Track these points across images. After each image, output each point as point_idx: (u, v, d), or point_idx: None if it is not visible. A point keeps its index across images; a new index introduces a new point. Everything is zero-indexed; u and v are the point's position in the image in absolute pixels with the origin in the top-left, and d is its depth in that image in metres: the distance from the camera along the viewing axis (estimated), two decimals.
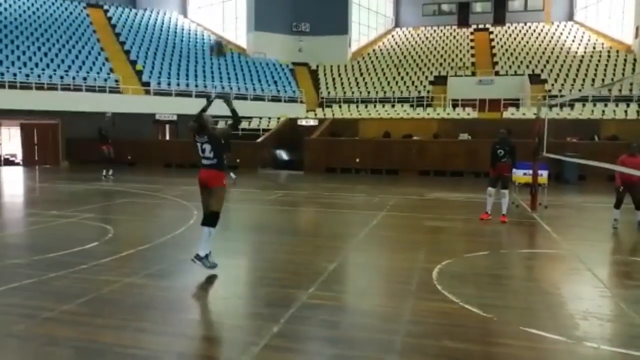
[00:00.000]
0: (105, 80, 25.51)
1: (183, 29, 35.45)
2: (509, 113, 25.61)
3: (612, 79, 27.60)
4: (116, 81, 25.92)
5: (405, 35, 39.37)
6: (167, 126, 26.72)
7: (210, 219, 6.01)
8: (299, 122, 25.44)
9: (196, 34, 35.30)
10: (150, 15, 35.99)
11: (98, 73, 25.94)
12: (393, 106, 28.64)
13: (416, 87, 30.68)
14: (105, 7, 34.51)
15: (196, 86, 27.97)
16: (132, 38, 31.38)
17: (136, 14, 35.34)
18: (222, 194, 6.07)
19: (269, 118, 26.83)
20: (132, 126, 23.47)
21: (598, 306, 5.16)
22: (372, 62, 34.79)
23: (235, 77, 30.43)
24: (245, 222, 10.25)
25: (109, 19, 33.25)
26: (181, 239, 7.93)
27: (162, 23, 35.40)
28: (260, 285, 5.84)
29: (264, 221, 10.14)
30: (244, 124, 26.28)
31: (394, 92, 30.37)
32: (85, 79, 24.94)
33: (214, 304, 5.22)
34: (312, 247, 7.73)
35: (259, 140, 23.08)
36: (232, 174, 16.45)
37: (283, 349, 4.00)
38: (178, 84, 27.68)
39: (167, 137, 26.93)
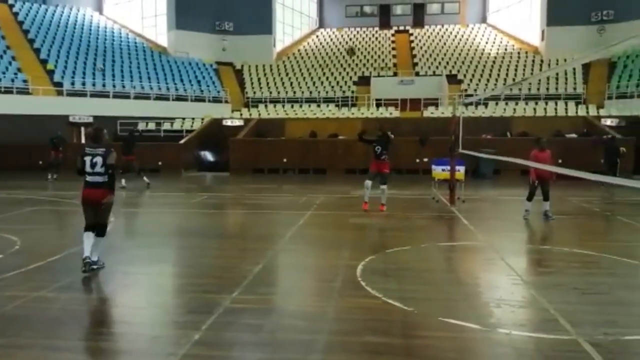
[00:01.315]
0: (13, 80, 23.76)
1: (99, 27, 33.73)
2: (429, 112, 26.61)
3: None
4: (25, 81, 24.21)
5: (329, 36, 39.82)
6: (82, 128, 25.32)
7: (103, 230, 6.20)
8: (224, 123, 25.01)
9: (113, 32, 33.73)
10: (63, 12, 33.95)
11: (4, 73, 24.10)
12: (319, 106, 28.87)
13: (341, 87, 31.11)
14: (11, 1, 32.11)
15: (114, 86, 26.73)
16: (43, 36, 29.45)
17: (46, 10, 33.19)
18: (111, 207, 6.23)
19: (193, 119, 26.17)
20: (44, 129, 22.03)
21: (511, 294, 5.44)
22: (297, 62, 34.88)
23: (157, 77, 29.38)
24: (168, 227, 9.90)
25: (15, 14, 31.00)
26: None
27: (76, 20, 33.49)
28: (182, 293, 5.65)
29: (187, 225, 9.84)
30: (166, 125, 25.44)
31: (319, 92, 30.62)
32: None
33: (131, 314, 4.97)
34: (238, 250, 7.59)
35: (182, 141, 22.44)
36: (145, 178, 15.87)
37: (204, 357, 3.87)
38: (94, 84, 26.32)
39: (83, 140, 25.53)
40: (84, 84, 26.01)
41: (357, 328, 4.41)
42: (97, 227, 6.11)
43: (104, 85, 26.52)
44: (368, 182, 10.82)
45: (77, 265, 6.43)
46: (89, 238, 6.04)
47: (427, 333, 4.34)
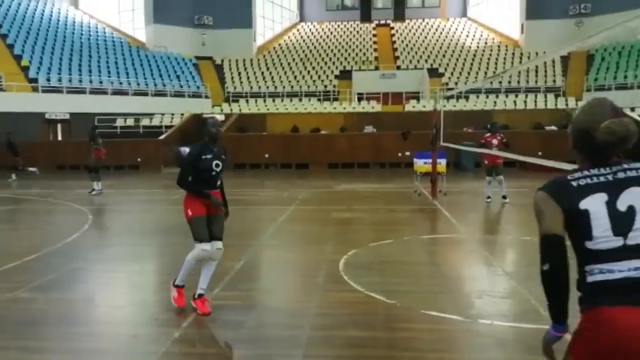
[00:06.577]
0: None
1: (74, 21, 33.04)
2: (411, 106, 26.68)
3: None
4: None
5: (310, 30, 39.63)
6: (59, 125, 24.83)
7: None
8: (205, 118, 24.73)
9: (89, 27, 33.07)
10: (37, 6, 33.14)
11: None
12: (300, 100, 28.74)
13: (322, 81, 31.01)
14: None
15: (90, 82, 26.23)
16: (16, 30, 28.71)
17: (19, 4, 32.32)
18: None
19: (172, 114, 25.82)
20: (18, 126, 21.47)
21: (492, 285, 5.46)
22: (278, 56, 34.66)
23: (135, 72, 28.91)
24: (148, 225, 9.75)
25: None
26: (73, 247, 7.36)
27: (51, 14, 32.73)
28: (162, 290, 5.53)
29: (167, 222, 9.70)
30: (145, 121, 25.06)
31: (300, 87, 30.48)
32: None
33: (110, 314, 4.87)
34: None
35: (162, 137, 22.15)
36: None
37: (184, 354, 3.80)
38: (70, 80, 25.78)
39: (60, 137, 25.03)
40: (60, 80, 25.48)
41: (340, 322, 4.38)
42: None
43: (80, 82, 26.01)
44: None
45: (54, 265, 6.30)
46: None
47: (410, 325, 4.33)
